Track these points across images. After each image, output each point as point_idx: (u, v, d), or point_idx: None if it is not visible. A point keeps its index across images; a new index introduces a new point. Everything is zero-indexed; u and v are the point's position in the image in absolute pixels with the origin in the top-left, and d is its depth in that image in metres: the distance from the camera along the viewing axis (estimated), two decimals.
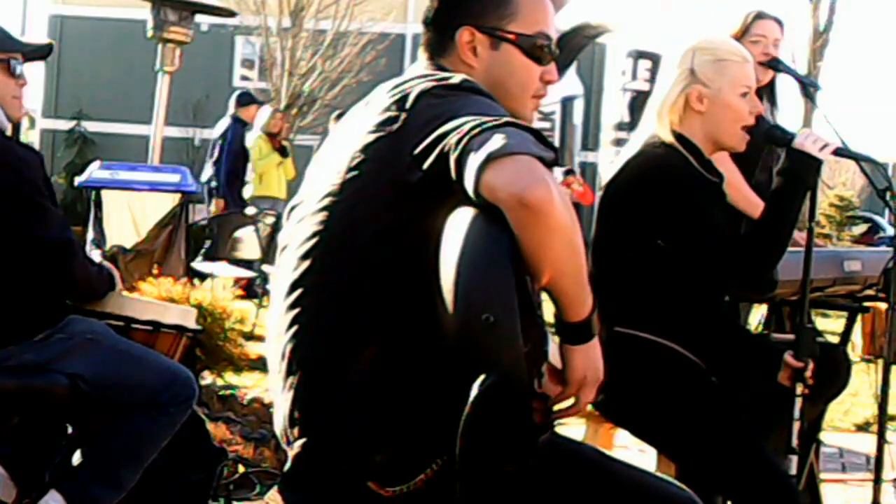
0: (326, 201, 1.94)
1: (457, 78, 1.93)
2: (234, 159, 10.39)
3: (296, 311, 1.93)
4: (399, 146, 1.87)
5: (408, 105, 1.89)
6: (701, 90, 2.89)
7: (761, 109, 2.96)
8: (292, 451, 1.92)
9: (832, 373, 3.21)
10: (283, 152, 10.66)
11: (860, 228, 20.76)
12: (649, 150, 2.90)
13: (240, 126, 10.44)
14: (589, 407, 3.01)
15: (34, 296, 3.05)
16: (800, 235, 3.09)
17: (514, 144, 1.72)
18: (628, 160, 2.93)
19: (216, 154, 10.46)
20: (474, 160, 1.72)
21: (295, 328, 1.93)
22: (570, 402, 1.92)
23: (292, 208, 2.06)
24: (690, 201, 2.82)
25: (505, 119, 1.78)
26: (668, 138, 2.88)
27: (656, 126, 2.92)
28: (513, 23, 2.05)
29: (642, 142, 2.95)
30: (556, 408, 1.91)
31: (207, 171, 10.65)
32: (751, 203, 3.66)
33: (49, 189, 3.08)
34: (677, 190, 2.82)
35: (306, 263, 1.94)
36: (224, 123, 10.59)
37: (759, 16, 4.12)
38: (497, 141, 1.72)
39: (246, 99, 10.78)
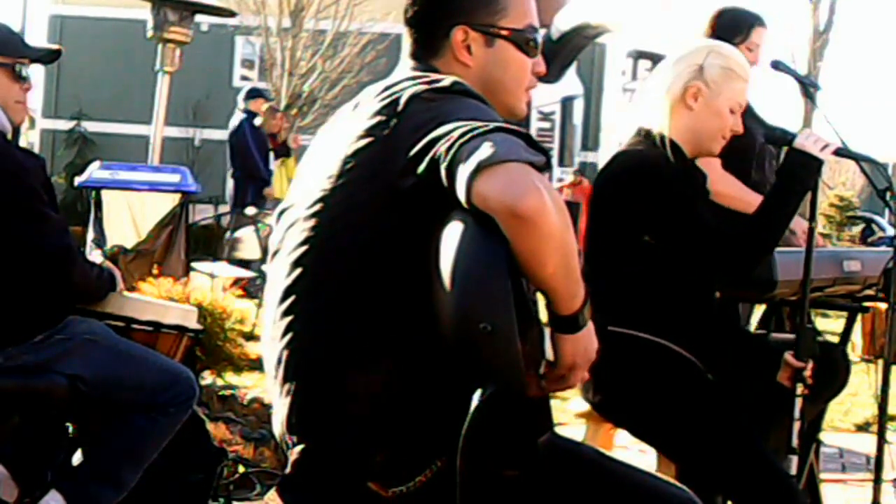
0: (317, 207, 1.93)
1: (447, 80, 1.92)
2: (262, 147, 10.50)
3: (290, 318, 1.92)
4: (390, 151, 1.86)
5: (398, 109, 1.88)
6: (701, 87, 2.90)
7: (740, 130, 2.96)
8: (292, 456, 1.91)
9: (832, 373, 3.21)
10: (285, 152, 10.68)
11: (859, 229, 20.77)
12: (632, 147, 2.92)
13: (252, 117, 10.58)
14: (589, 407, 3.03)
15: (33, 298, 3.05)
16: (800, 225, 3.08)
17: (504, 152, 1.70)
18: (613, 156, 2.95)
19: (238, 147, 10.51)
20: (465, 169, 1.71)
21: (290, 335, 1.92)
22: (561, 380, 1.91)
23: (282, 212, 2.05)
24: (675, 194, 2.82)
25: (495, 124, 1.77)
26: (656, 129, 2.88)
27: (647, 112, 2.92)
28: (504, 18, 2.05)
29: (629, 134, 2.95)
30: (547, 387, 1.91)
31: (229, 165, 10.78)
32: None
33: (50, 194, 3.07)
34: (661, 184, 2.82)
35: (298, 270, 1.93)
36: (236, 119, 10.67)
37: (759, 23, 4.09)
38: (487, 149, 1.70)
39: (254, 93, 11.05)
